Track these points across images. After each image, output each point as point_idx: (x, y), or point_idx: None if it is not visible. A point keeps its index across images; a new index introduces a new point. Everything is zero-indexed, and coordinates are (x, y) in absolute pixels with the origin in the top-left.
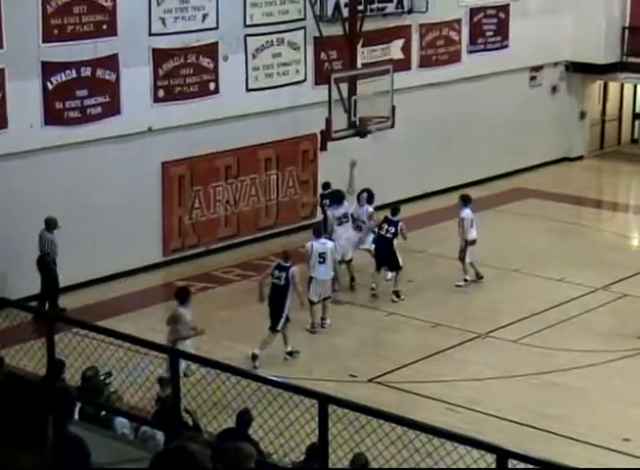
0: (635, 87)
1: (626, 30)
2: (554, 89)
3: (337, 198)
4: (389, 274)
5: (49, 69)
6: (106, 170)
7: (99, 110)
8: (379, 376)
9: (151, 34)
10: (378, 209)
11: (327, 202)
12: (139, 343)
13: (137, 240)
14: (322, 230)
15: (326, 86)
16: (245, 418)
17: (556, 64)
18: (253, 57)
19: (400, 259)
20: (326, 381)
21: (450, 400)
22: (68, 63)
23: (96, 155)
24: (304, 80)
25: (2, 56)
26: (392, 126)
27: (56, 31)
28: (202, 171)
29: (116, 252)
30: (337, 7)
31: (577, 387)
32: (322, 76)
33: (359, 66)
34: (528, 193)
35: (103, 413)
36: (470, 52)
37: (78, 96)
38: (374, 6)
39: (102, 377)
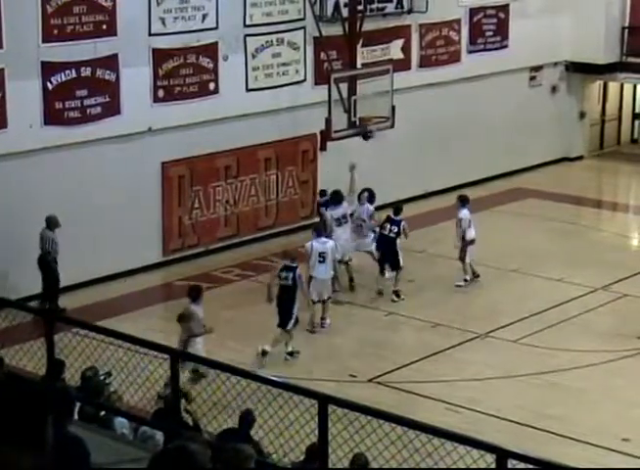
0: (635, 87)
1: (626, 30)
2: (554, 89)
3: (336, 198)
4: (388, 274)
5: (49, 69)
6: (105, 170)
7: (99, 110)
8: (379, 376)
9: (150, 34)
10: (378, 209)
11: (324, 209)
12: (139, 343)
13: (137, 240)
14: (322, 229)
15: (326, 86)
16: (247, 419)
17: (556, 64)
18: (253, 57)
19: (402, 260)
20: (326, 381)
21: (450, 400)
22: (67, 63)
23: (96, 155)
24: (304, 80)
25: (2, 56)
26: (392, 126)
27: (56, 31)
28: (201, 171)
29: (116, 252)
30: (336, 7)
31: (577, 387)
32: (322, 76)
33: (359, 66)
34: (528, 193)
35: (102, 413)
36: (469, 52)
37: (78, 96)
38: (374, 6)
39: (101, 377)
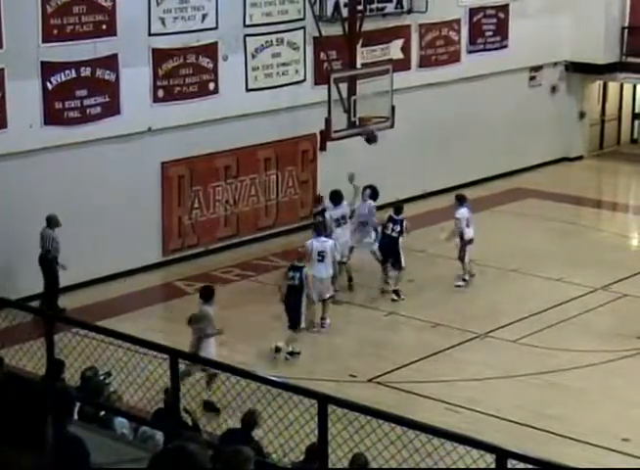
0: (634, 87)
1: (626, 30)
2: (553, 89)
3: (335, 199)
4: (391, 273)
5: (49, 69)
6: (105, 170)
7: (98, 110)
8: (378, 376)
9: (150, 34)
10: (378, 209)
11: (319, 218)
12: (139, 343)
13: (137, 240)
14: (322, 229)
15: (325, 86)
16: (251, 420)
17: (555, 64)
18: (253, 57)
19: (403, 260)
20: (325, 381)
21: (450, 400)
22: (67, 63)
23: (96, 155)
24: (304, 80)
25: (2, 56)
26: (392, 126)
27: (55, 31)
28: (201, 171)
29: (116, 252)
30: (336, 7)
31: (577, 387)
32: (321, 76)
33: (359, 66)
34: (528, 193)
35: (102, 413)
36: (469, 52)
37: (78, 96)
38: (373, 6)
39: (101, 377)
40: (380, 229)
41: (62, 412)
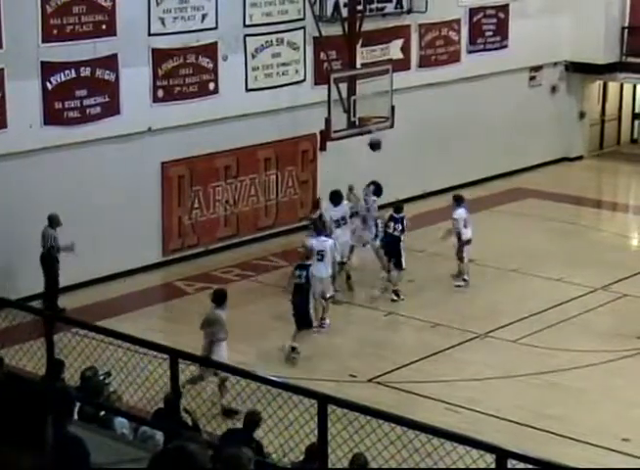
0: (634, 87)
1: (626, 30)
2: (553, 89)
3: (335, 199)
4: (384, 273)
5: (48, 69)
6: (105, 170)
7: (98, 110)
8: (378, 376)
9: (150, 34)
10: (379, 208)
11: (314, 232)
12: (138, 343)
13: (136, 240)
14: (322, 228)
15: (325, 86)
16: (253, 420)
17: (555, 64)
18: (253, 57)
19: (404, 260)
20: (325, 381)
21: (450, 400)
22: (67, 63)
23: (95, 155)
24: (304, 80)
25: (1, 56)
26: (392, 126)
27: (55, 31)
28: (201, 171)
29: (116, 252)
30: (336, 7)
31: (577, 387)
32: (321, 76)
33: (358, 66)
34: (528, 193)
35: (102, 413)
36: (469, 52)
37: (78, 96)
38: (373, 6)
39: (101, 377)
40: (382, 227)
41: (62, 412)
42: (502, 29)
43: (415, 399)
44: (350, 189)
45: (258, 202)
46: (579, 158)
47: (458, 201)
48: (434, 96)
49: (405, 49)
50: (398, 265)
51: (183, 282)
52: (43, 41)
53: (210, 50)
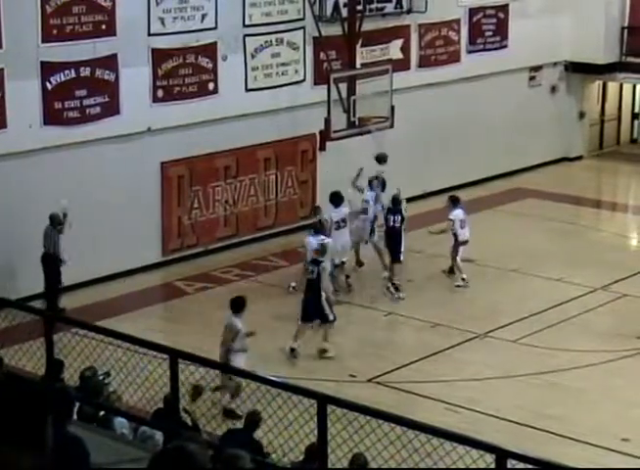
0: (634, 87)
1: (625, 30)
2: (553, 89)
3: (336, 201)
4: (386, 273)
5: (48, 69)
6: (105, 170)
7: (98, 110)
8: (378, 376)
9: (150, 34)
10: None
11: (312, 231)
12: (138, 343)
13: (136, 240)
14: (320, 227)
15: (325, 86)
16: (253, 420)
17: (555, 64)
18: (252, 57)
19: (403, 254)
20: (325, 381)
21: (449, 400)
22: (67, 63)
23: (95, 155)
24: (303, 80)
25: (1, 56)
26: (392, 126)
27: (55, 31)
28: (201, 171)
29: (116, 252)
30: (336, 7)
31: (577, 387)
32: (321, 76)
33: (358, 66)
34: (528, 193)
35: (102, 413)
36: (469, 52)
37: (77, 96)
38: (373, 6)
39: (101, 377)
40: (383, 216)
41: (61, 412)
42: (502, 29)
43: (415, 400)
44: (360, 171)
45: (258, 202)
46: (579, 158)
47: (454, 202)
48: (433, 96)
49: (405, 49)
50: (396, 258)
51: (183, 282)
52: (43, 41)
53: (210, 50)
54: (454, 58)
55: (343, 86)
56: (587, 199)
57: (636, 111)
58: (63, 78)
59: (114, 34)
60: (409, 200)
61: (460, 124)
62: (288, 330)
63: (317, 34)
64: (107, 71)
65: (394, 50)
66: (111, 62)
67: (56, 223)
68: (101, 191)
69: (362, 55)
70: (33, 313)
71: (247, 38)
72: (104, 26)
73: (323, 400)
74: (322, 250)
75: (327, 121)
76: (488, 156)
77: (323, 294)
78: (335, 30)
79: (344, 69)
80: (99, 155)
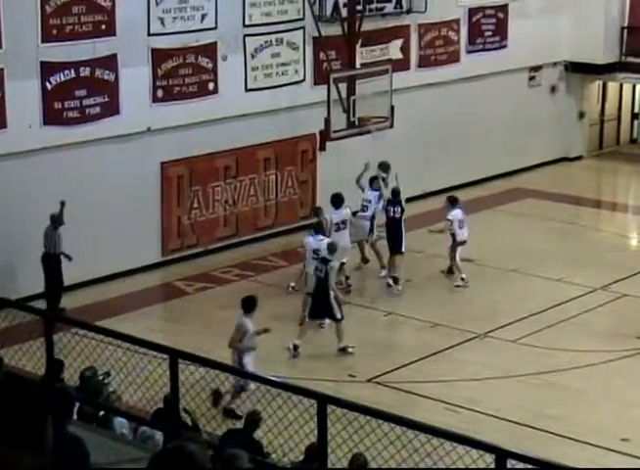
0: (634, 87)
1: (625, 30)
2: (553, 89)
3: (336, 202)
4: (384, 272)
5: (48, 69)
6: (105, 170)
7: (98, 110)
8: (378, 376)
9: (150, 34)
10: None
11: (312, 231)
12: (138, 343)
13: (136, 240)
14: (320, 227)
15: (325, 86)
16: (253, 420)
17: (555, 64)
18: (252, 57)
19: (404, 245)
20: (325, 381)
21: (449, 400)
22: (66, 63)
23: (95, 155)
24: (303, 80)
25: (1, 56)
26: (391, 126)
27: (55, 31)
28: (201, 171)
29: (116, 252)
30: (335, 7)
31: (576, 387)
32: (321, 76)
33: (358, 66)
34: (527, 193)
35: (102, 413)
36: (469, 52)
37: (77, 96)
38: (373, 6)
39: (100, 377)
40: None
41: (62, 412)
42: (501, 29)
43: (414, 399)
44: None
45: (258, 202)
46: (579, 158)
47: (453, 202)
48: (433, 96)
49: (405, 49)
50: (398, 249)
51: (182, 282)
52: (43, 41)
53: (210, 50)
54: (454, 58)
55: (343, 86)
56: (587, 199)
57: (636, 111)
58: (62, 78)
59: (114, 34)
60: (409, 200)
61: (460, 124)
62: (287, 330)
63: (317, 34)
64: (106, 71)
65: (394, 50)
66: (110, 62)
67: (57, 223)
68: (101, 191)
69: (362, 55)
70: (33, 313)
71: (247, 38)
72: (103, 26)
73: (323, 400)
74: (331, 249)
75: (327, 121)
76: (488, 156)
77: (331, 292)
78: (334, 30)
79: (344, 69)
80: (99, 155)
